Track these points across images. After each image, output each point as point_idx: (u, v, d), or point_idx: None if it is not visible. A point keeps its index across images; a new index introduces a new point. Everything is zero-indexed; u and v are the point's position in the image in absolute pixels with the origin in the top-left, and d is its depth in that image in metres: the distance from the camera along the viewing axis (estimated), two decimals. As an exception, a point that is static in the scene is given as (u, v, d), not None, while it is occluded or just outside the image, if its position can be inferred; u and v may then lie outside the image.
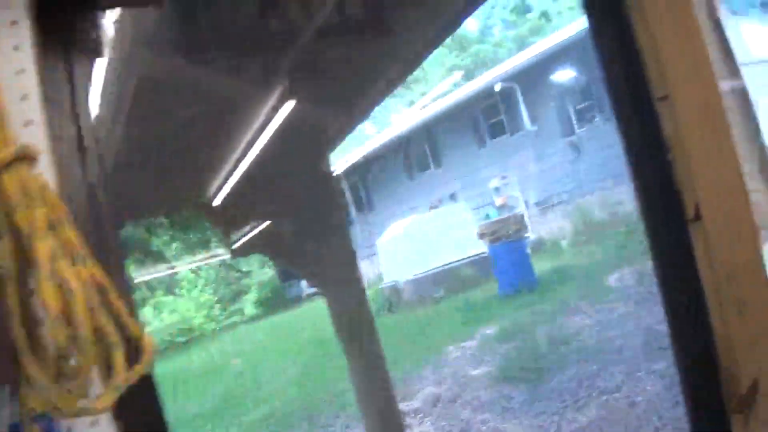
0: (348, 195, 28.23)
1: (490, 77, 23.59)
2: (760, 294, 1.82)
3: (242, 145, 4.92)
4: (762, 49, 1.87)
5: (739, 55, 1.81)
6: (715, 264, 1.83)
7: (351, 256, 6.04)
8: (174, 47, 3.44)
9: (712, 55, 1.80)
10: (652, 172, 1.90)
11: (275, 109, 4.24)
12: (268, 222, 6.13)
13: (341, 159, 24.92)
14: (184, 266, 30.63)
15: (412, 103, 34.47)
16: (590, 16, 1.96)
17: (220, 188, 5.81)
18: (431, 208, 23.57)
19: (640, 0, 1.89)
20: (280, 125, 4.41)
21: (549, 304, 12.48)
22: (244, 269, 32.99)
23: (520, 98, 22.64)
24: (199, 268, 31.58)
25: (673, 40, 1.84)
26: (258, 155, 4.93)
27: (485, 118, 24.35)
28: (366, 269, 22.20)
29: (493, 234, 16.69)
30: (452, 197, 24.75)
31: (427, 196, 25.48)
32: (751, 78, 1.80)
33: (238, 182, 5.53)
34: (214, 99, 4.16)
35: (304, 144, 5.21)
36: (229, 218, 6.15)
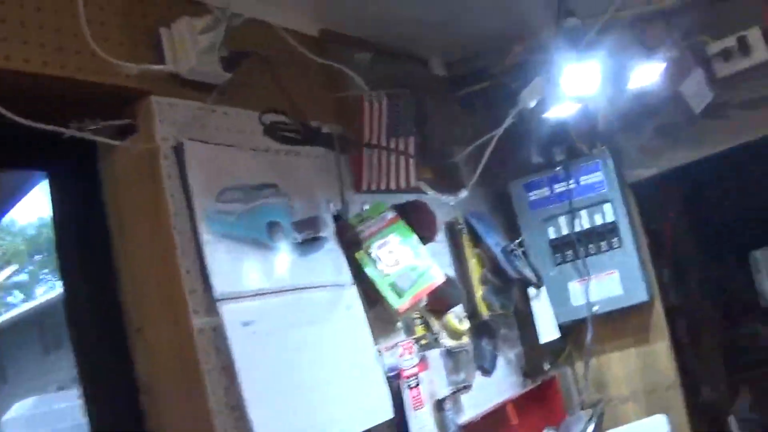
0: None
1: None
2: None
3: None
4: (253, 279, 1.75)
5: (220, 287, 1.65)
6: None
7: None
8: None
9: (191, 287, 1.61)
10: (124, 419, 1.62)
11: None
12: None
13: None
14: None
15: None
16: (63, 236, 1.70)
17: None
18: (60, 388, 21.34)
19: (122, 224, 1.70)
20: None
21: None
22: None
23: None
24: None
25: (150, 266, 1.65)
26: None
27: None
28: (-5, 448, 19.18)
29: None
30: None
31: (61, 373, 23.11)
32: (228, 314, 1.63)
33: None
34: None
35: None
36: None
